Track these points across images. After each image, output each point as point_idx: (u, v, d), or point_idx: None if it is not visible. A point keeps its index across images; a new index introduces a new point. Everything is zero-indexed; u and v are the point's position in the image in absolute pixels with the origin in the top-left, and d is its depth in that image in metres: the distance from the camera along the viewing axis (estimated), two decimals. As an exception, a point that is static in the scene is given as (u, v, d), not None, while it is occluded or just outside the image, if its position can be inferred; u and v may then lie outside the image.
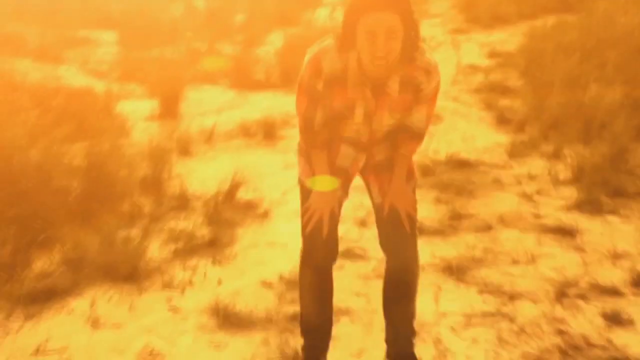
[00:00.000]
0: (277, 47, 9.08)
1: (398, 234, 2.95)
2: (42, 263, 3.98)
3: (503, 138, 6.22)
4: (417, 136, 2.88)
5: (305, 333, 3.17)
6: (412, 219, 2.92)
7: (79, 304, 3.70)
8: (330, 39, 2.69)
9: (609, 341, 3.40)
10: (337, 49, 2.64)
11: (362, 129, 2.81)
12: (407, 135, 2.87)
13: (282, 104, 7.20)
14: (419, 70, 2.67)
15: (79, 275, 3.90)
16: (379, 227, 3.02)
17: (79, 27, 9.79)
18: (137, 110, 6.74)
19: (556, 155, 5.74)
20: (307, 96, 2.77)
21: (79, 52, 8.92)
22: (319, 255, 3.00)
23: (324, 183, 2.88)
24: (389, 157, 2.92)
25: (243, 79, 7.91)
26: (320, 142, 2.85)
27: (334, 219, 2.94)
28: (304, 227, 2.94)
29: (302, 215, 2.95)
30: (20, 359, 3.27)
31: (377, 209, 3.00)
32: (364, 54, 2.54)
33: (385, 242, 3.00)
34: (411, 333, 3.15)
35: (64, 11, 10.35)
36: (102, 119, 5.99)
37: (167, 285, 3.89)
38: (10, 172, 4.21)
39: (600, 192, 4.99)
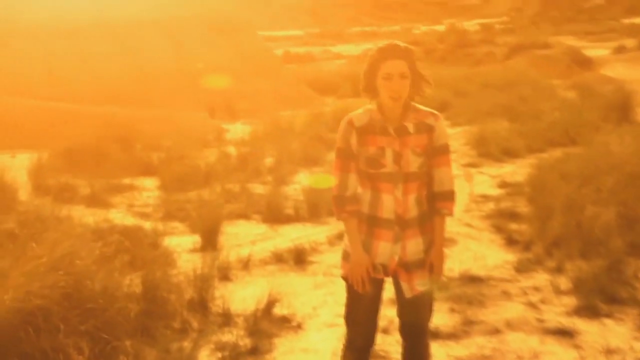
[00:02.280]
0: (304, 185, 9.91)
1: (418, 325, 3.67)
2: (110, 369, 4.63)
3: (511, 256, 6.88)
4: (449, 194, 3.64)
5: None
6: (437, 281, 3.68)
7: (143, 401, 4.33)
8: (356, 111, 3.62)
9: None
10: (363, 94, 3.58)
11: (394, 172, 3.52)
12: (441, 197, 3.63)
13: (310, 234, 7.94)
14: (426, 115, 3.59)
15: (142, 378, 4.55)
16: (401, 317, 3.72)
17: (123, 175, 10.74)
18: (181, 245, 7.50)
19: (559, 270, 6.38)
20: (342, 158, 3.59)
21: (125, 197, 9.81)
22: (361, 339, 3.72)
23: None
24: (420, 259, 3.62)
25: (274, 214, 8.69)
26: (350, 210, 3.58)
27: (376, 305, 3.70)
28: (348, 308, 3.73)
29: (347, 300, 3.71)
30: None
31: (403, 303, 3.68)
32: (384, 93, 3.49)
33: (405, 331, 3.71)
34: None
35: (109, 162, 11.35)
36: (151, 252, 6.73)
37: (217, 385, 4.52)
38: (81, 294, 4.92)
39: (598, 299, 5.60)
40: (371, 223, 3.62)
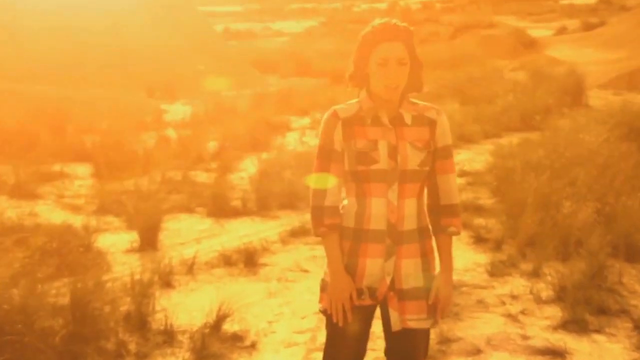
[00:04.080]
0: (251, 173, 9.20)
1: None
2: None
3: (482, 257, 6.31)
4: (456, 209, 2.99)
5: None
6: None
7: None
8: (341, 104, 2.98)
9: None
10: (350, 83, 2.95)
11: (389, 168, 2.86)
12: (447, 212, 2.97)
13: (260, 231, 7.26)
14: (426, 108, 2.97)
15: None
16: (389, 357, 3.05)
17: (53, 161, 9.83)
18: (117, 244, 6.74)
19: (536, 274, 5.82)
20: (321, 159, 2.94)
21: (54, 187, 8.95)
22: None
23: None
24: (418, 288, 2.95)
25: (219, 207, 7.95)
26: (329, 224, 2.93)
27: (362, 344, 3.04)
28: (329, 348, 3.06)
29: (328, 338, 3.05)
30: None
31: (391, 338, 3.01)
32: (377, 82, 2.85)
33: None
34: None
35: (37, 146, 10.42)
36: (82, 255, 5.97)
37: None
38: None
39: (584, 310, 5.04)
40: (357, 238, 2.93)
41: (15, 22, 18.45)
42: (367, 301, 2.95)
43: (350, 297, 2.93)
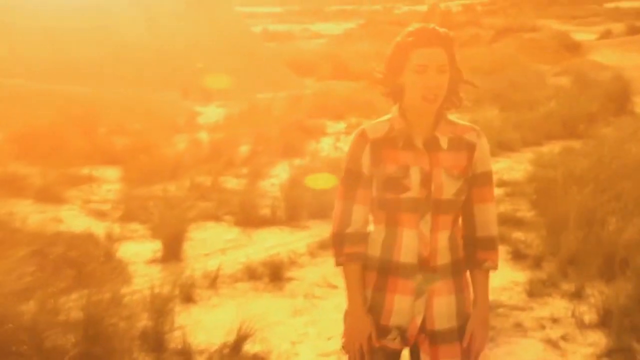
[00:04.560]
0: (283, 180, 8.94)
1: None
2: None
3: (520, 276, 5.97)
4: (493, 242, 2.72)
5: None
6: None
7: None
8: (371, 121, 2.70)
9: None
10: (383, 90, 2.66)
11: (421, 197, 2.57)
12: (483, 245, 2.69)
13: (288, 242, 6.99)
14: (465, 129, 2.65)
15: None
16: None
17: (82, 163, 9.67)
18: (140, 253, 6.52)
19: (578, 295, 5.47)
20: (347, 183, 2.66)
21: (81, 191, 8.78)
22: None
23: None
24: (452, 329, 2.66)
25: (247, 215, 7.70)
26: (350, 253, 2.65)
27: None
28: None
29: None
30: None
31: None
32: (413, 92, 2.54)
33: None
34: None
35: (67, 148, 10.27)
36: (102, 265, 5.75)
37: None
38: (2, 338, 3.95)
39: (631, 337, 4.69)
40: (384, 270, 2.63)
41: (48, 23, 18.44)
42: (396, 344, 2.66)
43: (370, 339, 2.64)
